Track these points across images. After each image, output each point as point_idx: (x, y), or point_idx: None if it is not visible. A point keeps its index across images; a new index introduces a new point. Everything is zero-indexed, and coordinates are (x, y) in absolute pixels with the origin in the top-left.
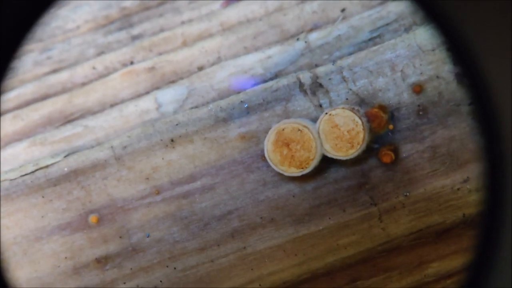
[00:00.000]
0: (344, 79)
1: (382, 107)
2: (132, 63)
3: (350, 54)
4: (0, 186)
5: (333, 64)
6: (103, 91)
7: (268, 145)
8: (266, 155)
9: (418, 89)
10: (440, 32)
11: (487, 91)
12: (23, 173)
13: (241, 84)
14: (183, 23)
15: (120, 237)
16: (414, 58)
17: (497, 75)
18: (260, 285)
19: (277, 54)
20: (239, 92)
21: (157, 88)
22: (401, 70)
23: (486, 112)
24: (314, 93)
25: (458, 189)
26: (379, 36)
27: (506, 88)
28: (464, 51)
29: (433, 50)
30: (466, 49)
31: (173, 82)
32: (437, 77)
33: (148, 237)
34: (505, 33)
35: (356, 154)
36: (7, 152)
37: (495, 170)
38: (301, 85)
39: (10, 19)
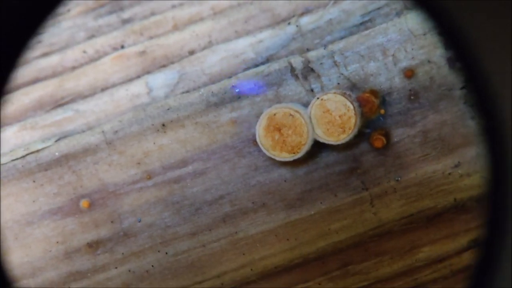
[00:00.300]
0: (335, 64)
1: (374, 92)
2: (122, 47)
3: (342, 38)
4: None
5: (324, 49)
6: (94, 75)
7: (260, 130)
8: (257, 140)
9: (409, 73)
10: (431, 16)
11: (480, 73)
12: (14, 158)
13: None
14: (174, 6)
15: (112, 221)
16: (406, 43)
17: (490, 57)
18: (251, 269)
19: (268, 38)
20: (230, 77)
21: (148, 72)
22: (393, 55)
23: (480, 95)
24: (305, 78)
25: (450, 173)
26: (370, 20)
27: (500, 70)
28: (456, 34)
29: (424, 34)
30: (458, 32)
31: (164, 66)
32: (429, 61)
33: (139, 222)
34: (498, 16)
35: (347, 139)
36: None
37: (491, 153)
38: (292, 69)
39: (12, 26)
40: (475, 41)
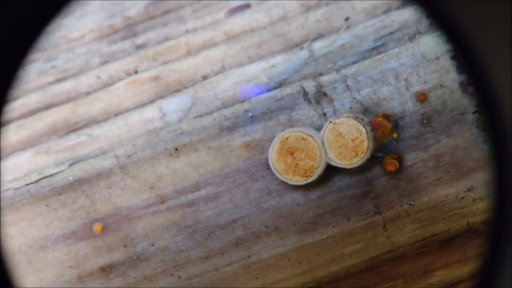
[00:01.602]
0: (348, 88)
1: (386, 116)
2: (136, 72)
3: (354, 63)
4: (0, 196)
5: (337, 73)
6: (108, 100)
7: (272, 153)
8: (270, 163)
9: (422, 97)
10: (446, 40)
11: (493, 98)
12: (28, 182)
13: (246, 92)
14: (187, 32)
15: (125, 245)
16: (418, 67)
17: (503, 82)
18: None
19: (281, 63)
20: (243, 101)
21: (162, 97)
22: (405, 79)
23: (492, 120)
24: (318, 102)
25: (463, 197)
26: (383, 45)
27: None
28: (470, 59)
29: (437, 59)
30: (472, 56)
31: (177, 91)
32: (441, 86)
33: (152, 245)
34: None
35: (360, 162)
36: (12, 161)
37: (502, 177)
38: (305, 93)
39: (15, 29)
40: (489, 65)
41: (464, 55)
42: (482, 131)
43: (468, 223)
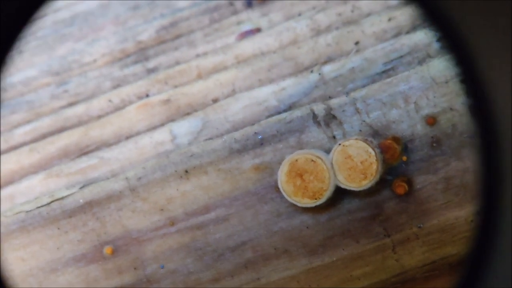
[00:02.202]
0: (357, 111)
1: (396, 139)
2: (147, 95)
3: (364, 86)
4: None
5: (346, 96)
6: (119, 124)
7: (282, 176)
8: (279, 185)
9: (431, 121)
10: (456, 63)
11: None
12: (39, 205)
13: None
14: (198, 56)
15: (135, 268)
16: (428, 90)
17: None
18: None
19: (291, 86)
20: (253, 124)
21: (172, 120)
22: (415, 102)
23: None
24: (327, 125)
25: (472, 220)
26: (392, 68)
27: None
28: (479, 83)
29: (446, 82)
30: (482, 81)
31: (188, 114)
32: (451, 109)
33: (162, 268)
34: None
35: (369, 185)
36: (23, 184)
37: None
38: (314, 116)
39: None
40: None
41: (472, 79)
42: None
43: None
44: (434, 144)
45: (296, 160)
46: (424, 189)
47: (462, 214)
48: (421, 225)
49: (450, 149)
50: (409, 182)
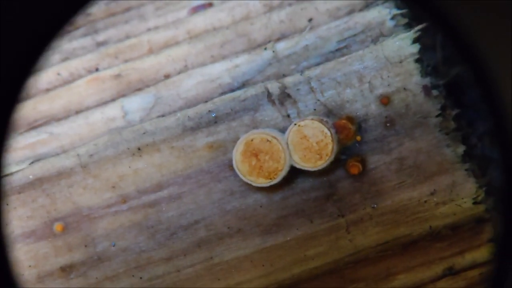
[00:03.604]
0: (312, 90)
1: (350, 119)
2: (97, 69)
3: (318, 64)
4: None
5: (301, 75)
6: (68, 98)
7: (237, 155)
8: (234, 165)
9: (385, 100)
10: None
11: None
12: None
13: None
14: (149, 30)
15: (86, 245)
16: (382, 70)
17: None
18: None
19: (245, 63)
20: (206, 101)
21: (123, 95)
22: (369, 82)
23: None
24: (282, 103)
25: (425, 201)
26: (346, 46)
27: None
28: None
29: (400, 62)
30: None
31: (139, 90)
32: (404, 89)
33: (113, 246)
34: None
35: (324, 165)
36: None
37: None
38: (269, 95)
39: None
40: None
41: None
42: (445, 134)
43: (430, 226)
44: (388, 124)
45: (252, 140)
46: (377, 169)
47: (415, 195)
48: (375, 206)
49: (403, 129)
50: (363, 162)
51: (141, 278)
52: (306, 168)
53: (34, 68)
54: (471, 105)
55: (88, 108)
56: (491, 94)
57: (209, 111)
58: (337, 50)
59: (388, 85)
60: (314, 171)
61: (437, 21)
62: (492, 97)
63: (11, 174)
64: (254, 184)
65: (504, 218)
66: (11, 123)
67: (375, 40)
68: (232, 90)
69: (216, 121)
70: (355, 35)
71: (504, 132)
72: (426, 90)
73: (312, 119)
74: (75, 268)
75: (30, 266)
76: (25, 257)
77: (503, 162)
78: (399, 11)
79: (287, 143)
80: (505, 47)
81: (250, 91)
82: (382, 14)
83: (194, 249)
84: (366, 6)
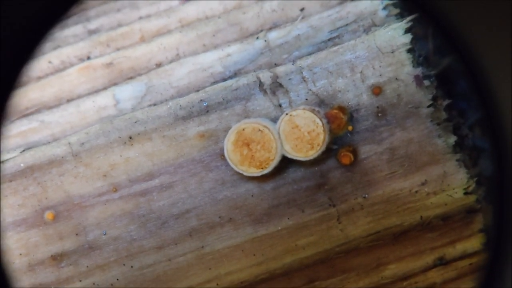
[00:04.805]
0: (304, 79)
1: (342, 108)
2: (89, 58)
3: (310, 54)
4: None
5: (293, 64)
6: (60, 86)
7: (228, 144)
8: (225, 154)
9: (377, 90)
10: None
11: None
12: None
13: None
14: (141, 18)
15: (77, 234)
16: (374, 60)
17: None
18: (217, 284)
19: (237, 53)
20: (198, 90)
21: (115, 84)
22: (361, 72)
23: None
24: (274, 93)
25: (416, 191)
26: (338, 36)
27: None
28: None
29: (392, 52)
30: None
31: (131, 78)
32: (396, 79)
33: (104, 234)
34: None
35: (316, 155)
36: None
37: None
38: (261, 84)
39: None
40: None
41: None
42: (437, 125)
43: (421, 217)
44: (379, 114)
45: (243, 129)
46: (369, 159)
47: (406, 185)
48: (366, 195)
49: (395, 119)
50: (354, 152)
51: (132, 267)
52: (297, 158)
53: (30, 57)
54: (462, 95)
55: (79, 97)
56: (480, 84)
57: (201, 100)
58: (329, 39)
59: (380, 75)
60: (306, 161)
61: (426, 11)
62: (482, 88)
63: (2, 162)
64: (245, 174)
65: (495, 208)
66: (5, 111)
67: (367, 30)
68: (224, 79)
69: (207, 110)
70: (347, 25)
71: (494, 122)
72: (418, 80)
73: (303, 109)
74: (66, 256)
75: (21, 254)
76: (16, 246)
77: (493, 152)
78: (390, 1)
79: (278, 133)
80: (495, 38)
81: (242, 81)
82: (374, 4)
83: (185, 238)
84: None
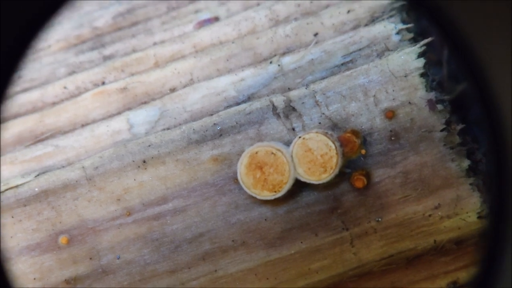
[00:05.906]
0: (317, 103)
1: (355, 132)
2: (103, 83)
3: (323, 78)
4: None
5: (306, 88)
6: (74, 111)
7: (241, 168)
8: (239, 178)
9: (390, 114)
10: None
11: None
12: None
13: None
14: (155, 44)
15: (90, 258)
16: (387, 84)
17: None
18: None
19: (250, 77)
20: (212, 114)
21: (129, 108)
22: (374, 96)
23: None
24: (287, 117)
25: (430, 215)
26: (351, 61)
27: None
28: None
29: (405, 76)
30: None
31: (145, 103)
32: (409, 103)
33: (118, 259)
34: None
35: (329, 178)
36: None
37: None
38: (274, 108)
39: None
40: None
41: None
42: (450, 149)
43: (435, 240)
44: (393, 138)
45: (256, 153)
46: (382, 183)
47: (420, 208)
48: (379, 219)
49: (408, 143)
50: (368, 176)
51: None
52: (310, 181)
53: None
54: (476, 121)
55: (94, 121)
56: (491, 112)
57: (214, 124)
58: (342, 64)
59: (393, 99)
60: (319, 184)
61: (443, 33)
62: (492, 116)
63: (17, 186)
64: (258, 197)
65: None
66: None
67: (380, 55)
68: (238, 104)
69: (221, 134)
70: (360, 49)
71: (501, 150)
72: (431, 104)
73: (316, 132)
74: (80, 280)
75: (35, 278)
76: (30, 270)
77: (498, 179)
78: (404, 26)
79: (291, 156)
80: (508, 64)
81: (255, 105)
82: (388, 28)
83: (199, 262)
84: (372, 21)
